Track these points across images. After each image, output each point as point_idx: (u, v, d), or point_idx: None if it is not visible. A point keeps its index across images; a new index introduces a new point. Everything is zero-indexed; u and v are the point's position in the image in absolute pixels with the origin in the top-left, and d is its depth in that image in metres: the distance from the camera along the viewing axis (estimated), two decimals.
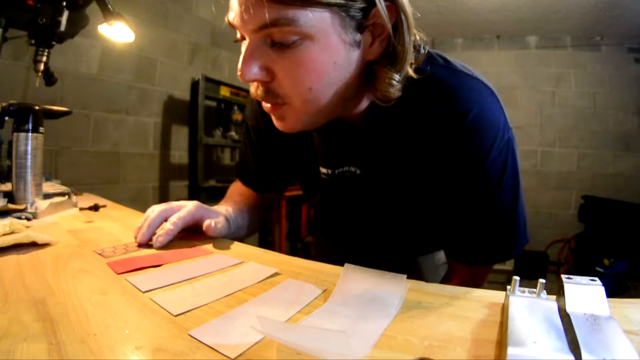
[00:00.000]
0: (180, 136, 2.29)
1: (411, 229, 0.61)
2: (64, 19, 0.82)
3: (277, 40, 0.38)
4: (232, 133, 2.47)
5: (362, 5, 0.38)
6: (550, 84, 3.14)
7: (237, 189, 0.73)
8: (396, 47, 0.41)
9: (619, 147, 3.01)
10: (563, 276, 0.30)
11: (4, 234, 0.52)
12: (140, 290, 0.36)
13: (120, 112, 1.93)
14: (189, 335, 0.28)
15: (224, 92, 2.41)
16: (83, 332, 0.27)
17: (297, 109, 0.42)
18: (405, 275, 0.40)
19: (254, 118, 0.64)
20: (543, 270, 2.80)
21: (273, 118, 0.46)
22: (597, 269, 2.40)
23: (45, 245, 0.50)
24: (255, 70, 0.40)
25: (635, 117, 2.97)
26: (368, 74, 0.43)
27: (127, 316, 0.31)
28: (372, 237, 0.66)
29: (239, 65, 0.40)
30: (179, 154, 2.29)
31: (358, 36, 0.40)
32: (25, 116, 0.75)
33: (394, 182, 0.52)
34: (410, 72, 0.43)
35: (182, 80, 2.26)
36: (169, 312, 0.32)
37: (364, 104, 0.48)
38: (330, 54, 0.39)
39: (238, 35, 0.43)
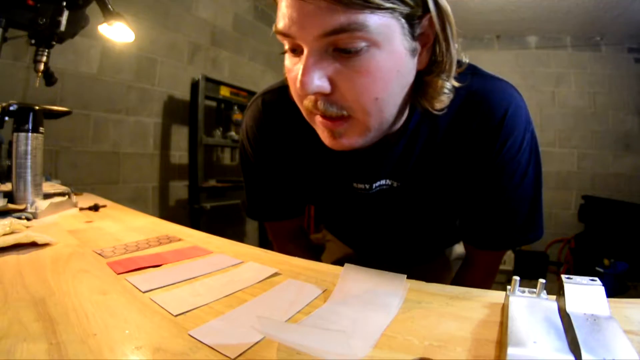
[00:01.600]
0: (180, 136, 2.29)
1: (440, 228, 0.62)
2: (64, 19, 0.82)
3: (344, 47, 0.35)
4: (232, 133, 2.47)
5: (420, 13, 0.38)
6: (550, 84, 3.14)
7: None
8: (445, 54, 0.41)
9: (619, 147, 3.01)
10: (563, 276, 0.30)
11: (4, 234, 0.52)
12: (140, 290, 0.36)
13: (120, 112, 1.93)
14: (189, 335, 0.28)
15: (224, 92, 2.40)
16: (83, 332, 0.27)
17: (361, 123, 0.40)
18: (405, 275, 0.40)
19: (263, 141, 0.58)
20: (543, 270, 2.80)
21: (326, 137, 0.42)
22: (597, 269, 2.39)
23: (45, 245, 0.50)
24: (317, 82, 0.36)
25: (635, 117, 2.97)
26: (417, 85, 0.43)
27: (127, 316, 0.31)
28: (399, 240, 0.67)
29: (299, 77, 0.36)
30: (179, 154, 2.29)
31: (414, 44, 0.39)
32: (25, 116, 0.75)
33: (432, 191, 0.53)
34: (454, 81, 0.44)
35: (182, 80, 2.26)
36: (169, 312, 0.32)
37: (404, 117, 0.47)
38: (395, 62, 0.38)
39: (286, 46, 0.39)
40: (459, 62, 0.45)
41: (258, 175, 0.62)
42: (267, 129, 0.57)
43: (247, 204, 0.67)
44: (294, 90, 0.41)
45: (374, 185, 0.53)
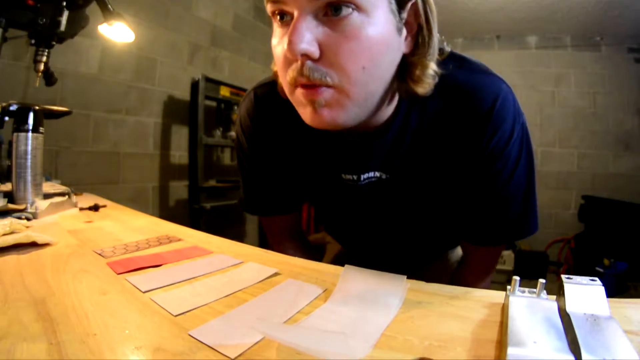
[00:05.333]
0: (180, 136, 2.29)
1: (433, 227, 0.62)
2: (64, 19, 0.82)
3: (335, 5, 0.35)
4: (232, 133, 2.47)
5: None
6: (550, 84, 3.13)
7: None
8: (428, 38, 0.42)
9: (619, 147, 3.01)
10: (563, 276, 0.30)
11: (4, 234, 0.52)
12: (140, 290, 0.36)
13: (120, 112, 1.93)
14: (189, 335, 0.28)
15: (224, 92, 2.40)
16: (83, 332, 0.27)
17: (345, 93, 0.39)
18: (405, 276, 0.40)
19: (256, 134, 0.59)
20: (543, 270, 2.79)
21: (308, 113, 0.40)
22: (597, 269, 2.39)
23: (45, 245, 0.50)
24: (306, 44, 0.36)
25: (635, 117, 2.97)
26: (403, 69, 0.43)
27: (127, 316, 0.31)
28: (394, 240, 0.66)
29: (288, 37, 0.36)
30: (179, 154, 2.29)
31: (400, 25, 0.40)
32: (25, 116, 0.75)
33: (422, 184, 0.53)
34: (435, 67, 0.44)
35: (182, 80, 2.26)
36: (169, 312, 0.32)
37: (391, 108, 0.48)
38: (382, 35, 0.38)
39: (269, 8, 0.39)
40: (441, 50, 0.46)
41: (253, 168, 0.62)
42: (260, 122, 0.57)
43: (243, 198, 0.67)
44: (280, 62, 0.40)
45: (362, 177, 0.53)
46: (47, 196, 0.80)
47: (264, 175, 0.62)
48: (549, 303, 0.29)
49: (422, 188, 0.53)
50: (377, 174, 0.53)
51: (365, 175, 0.53)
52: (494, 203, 0.51)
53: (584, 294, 0.28)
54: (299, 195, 0.66)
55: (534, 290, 0.32)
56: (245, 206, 0.67)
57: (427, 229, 0.63)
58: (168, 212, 2.21)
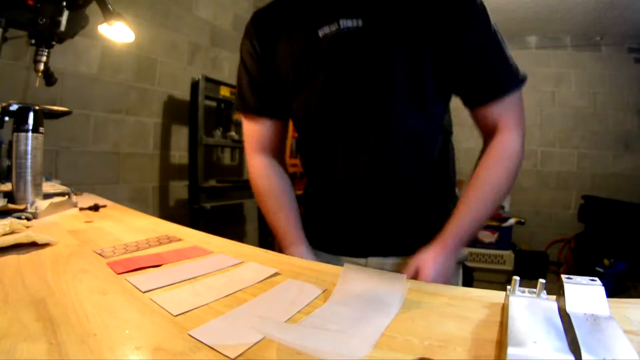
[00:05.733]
0: (180, 136, 2.29)
1: (412, 108, 0.60)
2: (64, 19, 0.82)
3: None
4: (232, 133, 2.47)
5: None
6: (550, 84, 3.14)
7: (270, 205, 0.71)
8: None
9: (619, 147, 3.01)
10: (563, 276, 0.30)
11: (4, 234, 0.52)
12: (140, 290, 0.36)
13: (120, 112, 1.93)
14: (189, 335, 0.28)
15: (224, 92, 2.41)
16: (83, 332, 0.27)
17: None
18: (405, 276, 0.40)
19: (250, 36, 0.69)
20: (543, 270, 2.79)
21: None
22: (597, 269, 2.39)
23: (45, 245, 0.50)
24: None
25: (635, 117, 2.97)
26: None
27: (127, 316, 0.31)
28: (378, 136, 0.61)
29: None
30: (179, 154, 2.29)
31: None
32: (25, 116, 0.75)
33: (397, 36, 0.57)
34: None
35: (182, 80, 2.26)
36: (169, 312, 0.32)
37: None
38: None
39: None
40: None
41: (247, 70, 0.70)
42: (257, 25, 0.68)
43: (237, 100, 0.74)
44: None
45: (341, 24, 0.57)
46: (47, 196, 0.80)
47: (254, 72, 0.69)
48: (549, 303, 0.29)
49: (398, 42, 0.57)
50: (355, 22, 0.57)
51: (344, 24, 0.57)
52: (488, 52, 0.60)
53: (584, 294, 0.28)
54: (283, 95, 0.69)
55: (534, 290, 0.32)
56: (236, 105, 0.74)
57: (406, 111, 0.60)
58: (168, 212, 2.21)
